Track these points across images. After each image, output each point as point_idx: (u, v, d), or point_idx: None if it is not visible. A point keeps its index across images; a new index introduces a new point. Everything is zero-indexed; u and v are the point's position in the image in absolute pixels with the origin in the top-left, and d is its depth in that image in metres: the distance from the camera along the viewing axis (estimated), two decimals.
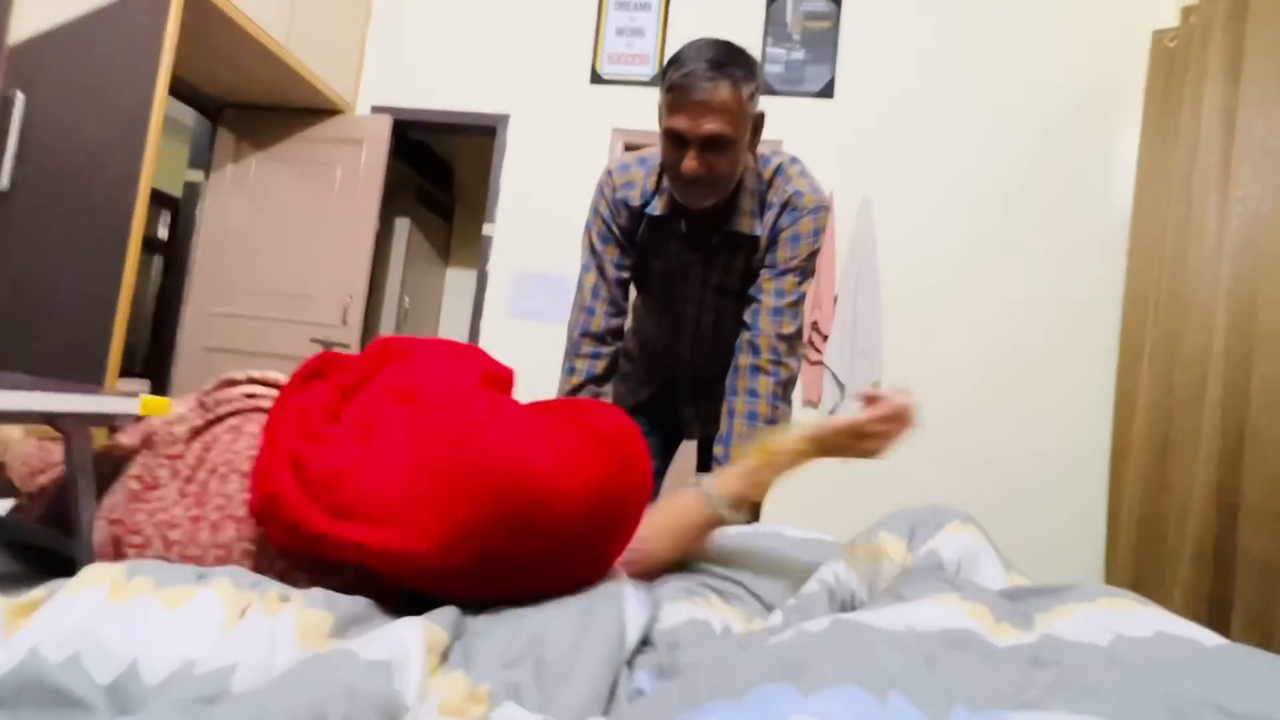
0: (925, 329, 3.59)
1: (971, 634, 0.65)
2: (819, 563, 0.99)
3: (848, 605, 0.92)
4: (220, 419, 0.93)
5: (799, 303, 1.55)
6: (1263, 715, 0.43)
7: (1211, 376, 2.86)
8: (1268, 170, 2.84)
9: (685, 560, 1.05)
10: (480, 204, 4.61)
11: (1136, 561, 3.13)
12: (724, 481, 1.06)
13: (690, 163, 1.38)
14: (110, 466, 0.94)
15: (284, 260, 4.02)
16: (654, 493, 1.53)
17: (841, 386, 3.49)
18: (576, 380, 1.62)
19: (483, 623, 0.72)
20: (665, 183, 1.53)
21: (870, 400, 1.12)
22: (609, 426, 0.87)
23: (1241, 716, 0.43)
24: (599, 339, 1.63)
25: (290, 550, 0.83)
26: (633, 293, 1.82)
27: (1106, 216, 3.49)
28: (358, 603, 0.72)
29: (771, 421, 1.51)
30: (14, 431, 1.14)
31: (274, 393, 0.96)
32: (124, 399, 0.95)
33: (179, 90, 3.84)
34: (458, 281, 5.67)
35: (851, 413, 1.11)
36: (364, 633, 0.68)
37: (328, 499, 0.79)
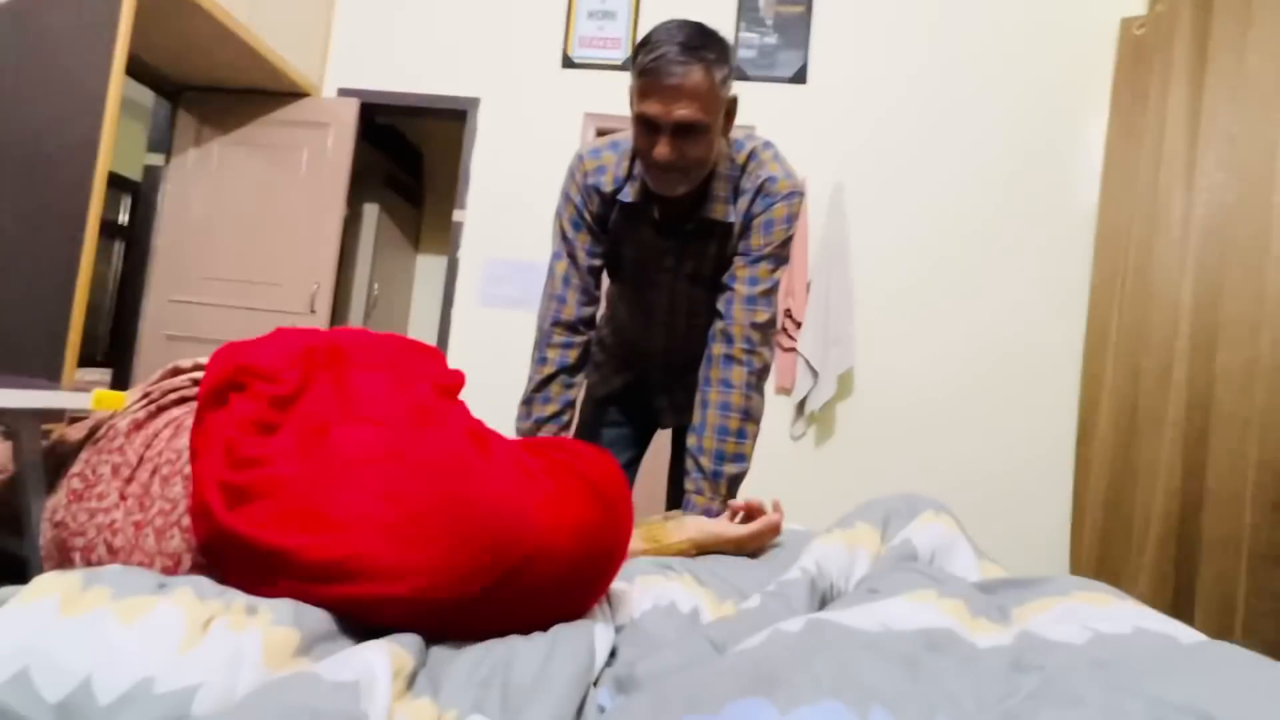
0: (896, 316, 3.61)
1: (951, 634, 0.64)
2: (796, 553, 0.98)
3: (828, 596, 0.91)
4: (163, 409, 0.89)
5: (773, 290, 1.53)
6: None
7: (1177, 362, 2.91)
8: (1232, 159, 2.89)
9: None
10: (450, 190, 4.55)
11: (1102, 545, 3.18)
12: None
13: (663, 149, 1.35)
14: (56, 462, 0.90)
15: (249, 247, 3.94)
16: (629, 482, 1.51)
17: (815, 374, 3.50)
18: (548, 370, 1.59)
19: (449, 648, 0.70)
20: (637, 168, 1.50)
21: (750, 514, 1.28)
22: (599, 475, 0.85)
23: None
24: (571, 328, 1.60)
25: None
26: (606, 280, 1.80)
27: (1074, 203, 3.52)
28: (325, 619, 0.69)
29: (745, 412, 1.49)
30: None
31: None
32: (75, 394, 0.92)
33: (136, 71, 3.72)
34: (428, 268, 5.60)
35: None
36: (331, 651, 0.65)
37: (282, 535, 0.74)
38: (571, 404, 1.62)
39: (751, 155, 1.51)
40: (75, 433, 0.92)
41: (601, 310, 1.85)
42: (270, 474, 0.77)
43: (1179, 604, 2.80)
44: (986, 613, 0.75)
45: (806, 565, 0.91)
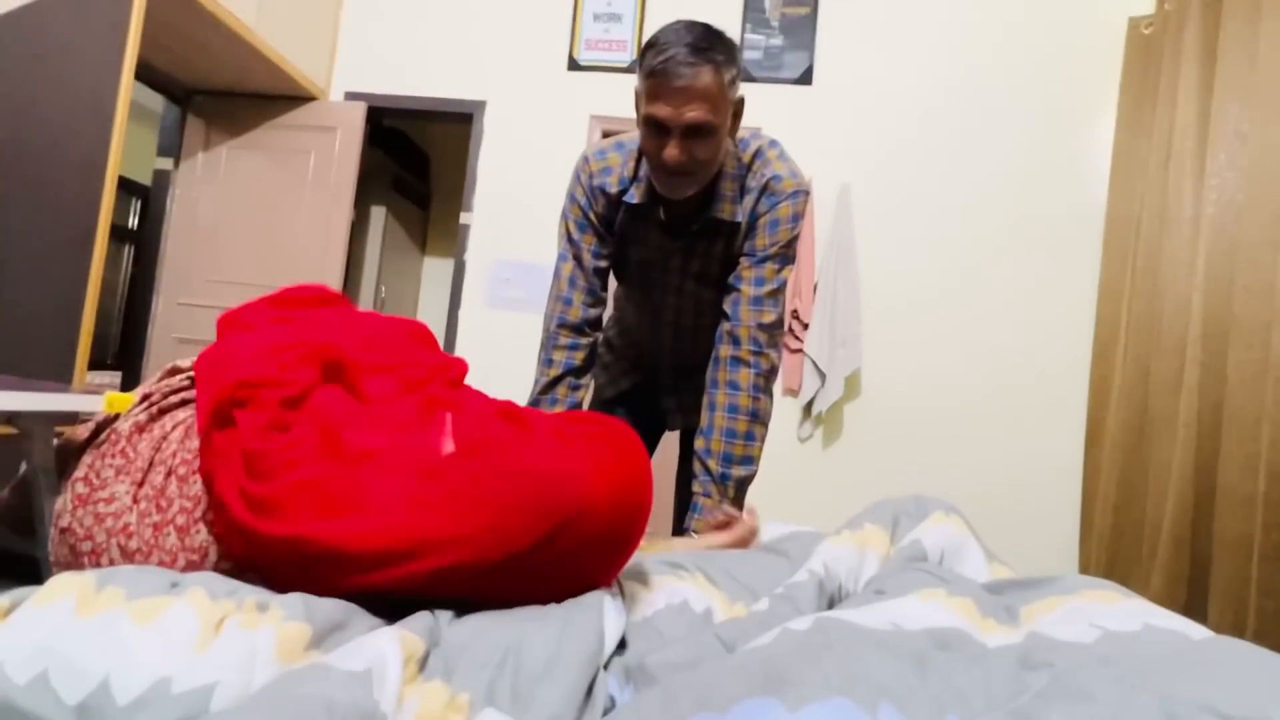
0: (903, 317, 3.60)
1: (960, 633, 0.64)
2: (806, 554, 0.98)
3: (836, 598, 0.91)
4: (165, 411, 0.89)
5: (779, 290, 1.52)
6: (1261, 717, 0.42)
7: (1189, 362, 2.89)
8: (1242, 157, 2.87)
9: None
10: (457, 192, 4.56)
11: (1112, 547, 3.17)
12: None
13: (672, 151, 1.34)
14: (60, 465, 0.91)
15: (257, 250, 3.96)
16: None
17: (822, 375, 3.50)
18: (554, 372, 1.58)
19: (460, 631, 0.70)
20: (643, 169, 1.49)
21: (722, 525, 1.31)
22: (625, 441, 0.88)
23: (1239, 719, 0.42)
24: (577, 330, 1.59)
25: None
26: (613, 282, 1.80)
27: (1082, 203, 3.51)
28: (336, 607, 0.70)
29: (753, 415, 1.49)
30: None
31: None
32: (87, 396, 0.93)
33: (146, 76, 3.75)
34: (435, 271, 5.62)
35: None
36: (343, 642, 0.66)
37: (326, 532, 0.75)
38: (578, 406, 1.61)
39: (757, 154, 1.50)
40: (79, 434, 0.92)
41: (609, 311, 1.85)
42: (299, 477, 0.78)
43: (1192, 605, 2.79)
44: (995, 613, 0.74)
45: (814, 568, 0.91)
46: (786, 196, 1.48)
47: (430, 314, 5.46)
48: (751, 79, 3.75)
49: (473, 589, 0.76)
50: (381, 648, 0.59)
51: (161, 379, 0.95)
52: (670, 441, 1.92)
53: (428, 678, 0.62)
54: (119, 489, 0.83)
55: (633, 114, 1.43)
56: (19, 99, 2.40)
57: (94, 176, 2.64)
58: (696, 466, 1.50)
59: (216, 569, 0.82)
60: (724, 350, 1.51)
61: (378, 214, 4.87)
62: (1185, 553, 2.84)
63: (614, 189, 1.54)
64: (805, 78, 3.76)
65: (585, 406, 1.70)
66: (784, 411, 3.58)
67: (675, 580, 0.90)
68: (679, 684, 0.52)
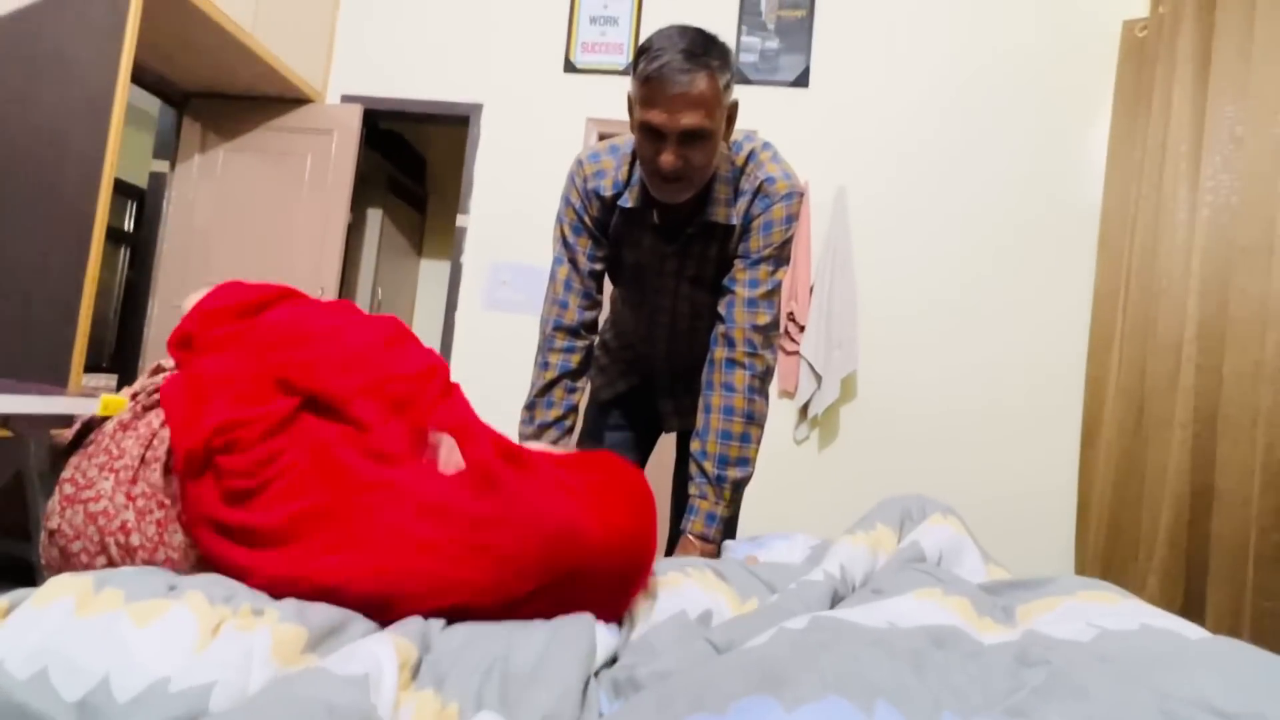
0: (899, 319, 3.61)
1: (956, 631, 0.64)
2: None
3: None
4: (149, 409, 0.88)
5: (774, 292, 1.52)
6: (1255, 713, 0.42)
7: (1184, 364, 2.90)
8: (1237, 160, 2.89)
9: None
10: (454, 194, 4.56)
11: (1107, 549, 3.17)
12: None
13: (668, 157, 1.34)
14: (48, 465, 0.90)
15: (254, 252, 3.95)
16: None
17: (818, 378, 3.50)
18: (551, 375, 1.58)
19: (450, 638, 0.70)
20: (637, 173, 1.49)
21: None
22: (632, 487, 0.88)
23: (1235, 715, 0.42)
24: (573, 333, 1.60)
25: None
26: (610, 285, 1.80)
27: (1077, 206, 3.51)
28: (332, 612, 0.70)
29: (748, 416, 1.49)
30: None
31: None
32: (83, 400, 0.92)
33: (142, 78, 3.74)
34: (431, 273, 5.61)
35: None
36: (338, 646, 0.66)
37: (325, 574, 0.75)
38: (574, 408, 1.61)
39: (750, 156, 1.50)
40: (64, 437, 0.91)
41: (605, 314, 1.85)
42: (299, 508, 0.77)
43: (1188, 608, 2.79)
44: (991, 612, 0.75)
45: (830, 569, 0.90)
46: (780, 198, 1.49)
47: (427, 316, 5.45)
48: (747, 81, 3.76)
49: (472, 618, 0.77)
50: (377, 653, 0.59)
51: (150, 375, 0.94)
52: (667, 444, 1.92)
53: (420, 686, 0.62)
54: (104, 486, 0.82)
55: (628, 116, 1.43)
56: (15, 102, 2.40)
57: (90, 179, 2.63)
58: (692, 468, 1.50)
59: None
60: (719, 352, 1.51)
61: (374, 216, 4.86)
62: (1181, 555, 2.85)
63: (608, 192, 1.54)
64: (801, 80, 3.77)
65: (582, 409, 1.70)
66: (780, 414, 3.58)
67: (678, 581, 0.89)
68: (676, 685, 0.53)
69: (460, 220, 4.00)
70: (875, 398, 3.60)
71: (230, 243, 3.97)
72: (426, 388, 0.88)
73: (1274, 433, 2.59)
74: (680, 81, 1.28)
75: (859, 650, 0.54)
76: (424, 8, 4.09)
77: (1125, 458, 3.15)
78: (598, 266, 1.61)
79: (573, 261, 1.59)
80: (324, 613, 0.69)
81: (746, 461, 1.49)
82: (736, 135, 1.51)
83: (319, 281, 3.86)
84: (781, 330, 3.53)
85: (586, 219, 1.57)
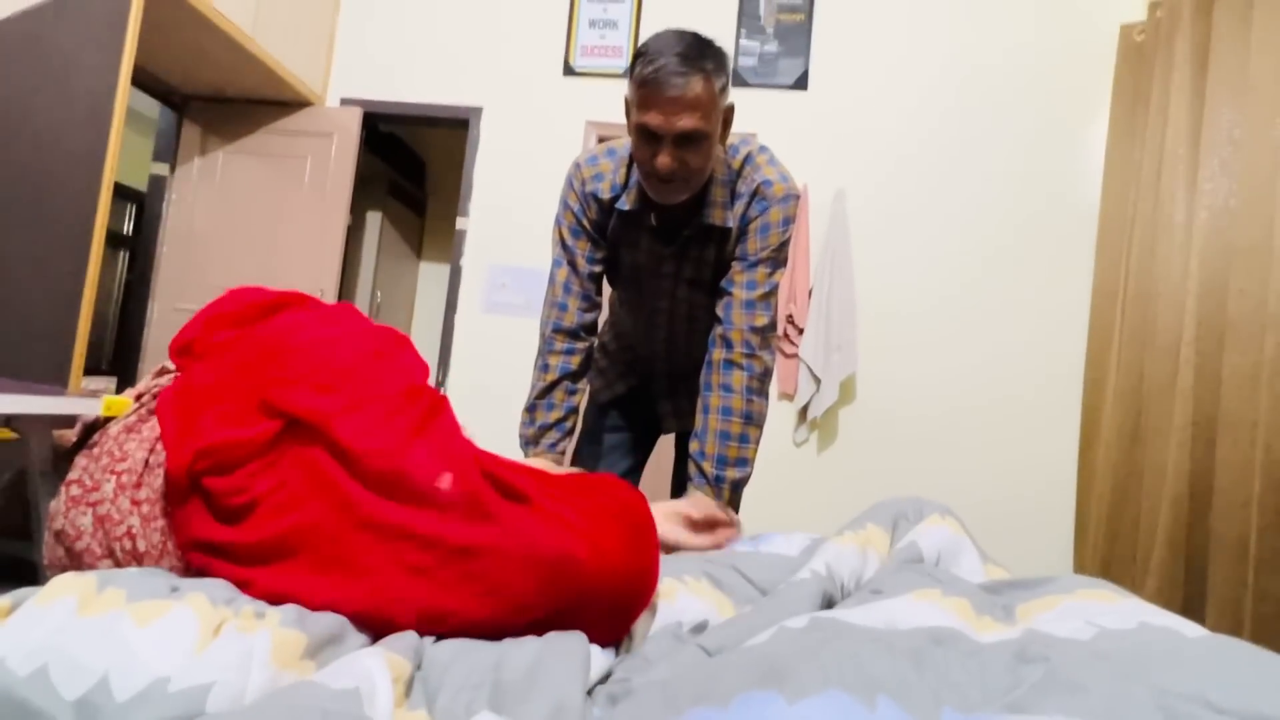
0: (898, 321, 3.61)
1: (954, 632, 0.64)
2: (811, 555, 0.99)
3: (837, 597, 0.91)
4: (155, 412, 0.88)
5: (771, 294, 1.54)
6: (1253, 710, 0.43)
7: (1183, 366, 2.90)
8: (1235, 162, 2.89)
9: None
10: (453, 197, 4.56)
11: (1106, 550, 3.18)
12: None
13: (664, 159, 1.36)
14: (50, 465, 0.91)
15: (253, 255, 3.96)
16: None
17: (817, 380, 3.50)
18: (551, 377, 1.59)
19: (441, 651, 0.70)
20: (635, 176, 1.51)
21: (710, 524, 1.29)
22: (632, 514, 0.88)
23: (1232, 712, 0.43)
24: (572, 334, 1.61)
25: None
26: (609, 287, 1.80)
27: (1075, 209, 3.53)
28: (331, 621, 0.70)
29: (746, 417, 1.50)
30: None
31: None
32: (85, 400, 0.93)
33: (142, 81, 3.75)
34: (431, 276, 5.62)
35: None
36: (336, 656, 0.66)
37: (313, 593, 0.74)
38: (575, 410, 1.62)
39: (746, 159, 1.52)
40: (66, 439, 0.91)
41: (604, 316, 1.86)
42: (291, 523, 0.77)
43: (1188, 609, 2.79)
44: (991, 611, 0.75)
45: (817, 567, 0.91)
46: (777, 201, 1.50)
47: (426, 319, 5.46)
48: (746, 84, 3.77)
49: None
50: (369, 668, 0.60)
51: (155, 377, 0.94)
52: (665, 445, 1.93)
53: (413, 706, 0.62)
54: (112, 490, 0.82)
55: (626, 120, 1.44)
56: (16, 104, 2.40)
57: (90, 182, 2.64)
58: (691, 469, 1.51)
59: None
60: (717, 354, 1.52)
61: (374, 219, 4.87)
62: (1180, 556, 2.85)
63: (606, 195, 1.56)
64: (800, 83, 3.78)
65: (581, 411, 1.71)
66: (779, 416, 3.59)
67: (672, 590, 0.90)
68: (679, 680, 0.53)
69: (460, 223, 4.00)
70: (874, 400, 3.61)
71: (230, 246, 3.98)
72: (409, 407, 0.85)
73: (1273, 434, 2.59)
74: (676, 85, 1.30)
75: (860, 647, 0.54)
76: (424, 11, 4.10)
77: (1124, 459, 3.15)
78: (596, 269, 1.62)
79: (571, 264, 1.60)
80: (324, 621, 0.69)
81: (745, 462, 1.50)
82: (733, 138, 1.53)
83: (318, 284, 3.87)
84: (780, 332, 3.54)
85: (585, 222, 1.59)
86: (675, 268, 1.59)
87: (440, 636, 0.74)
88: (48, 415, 0.89)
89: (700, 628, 0.87)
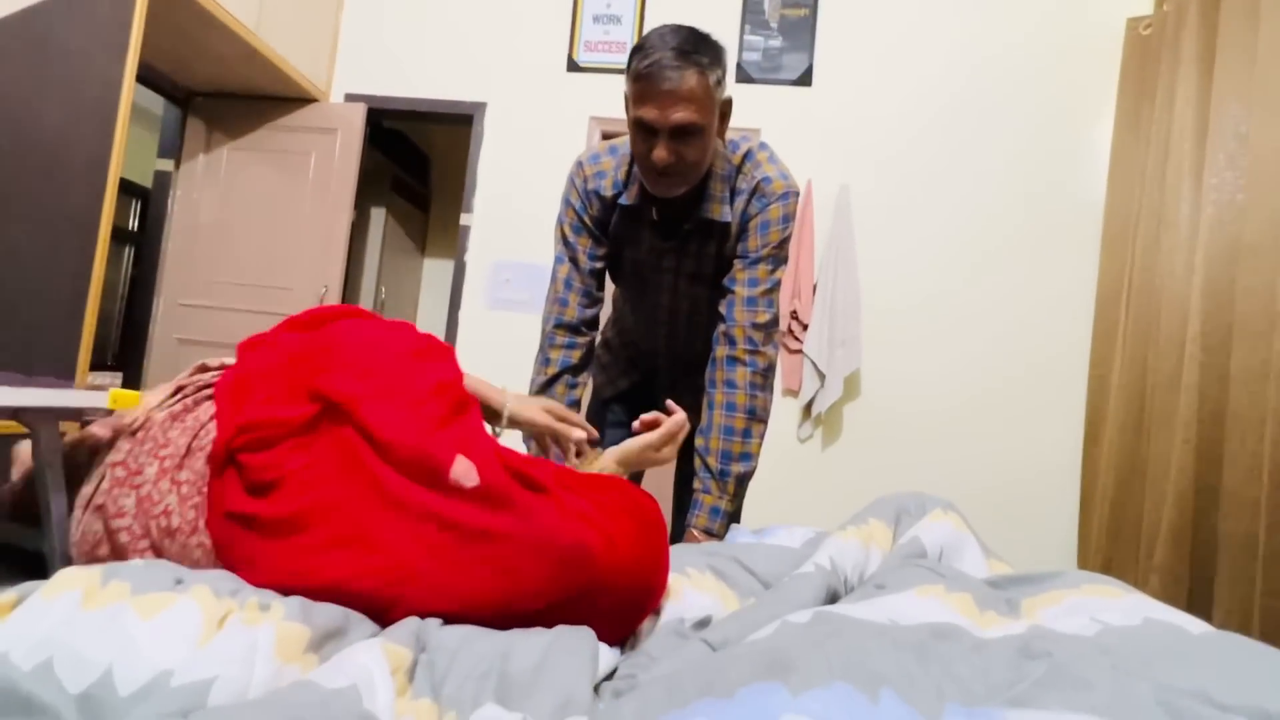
0: (902, 317, 3.61)
1: (957, 628, 0.65)
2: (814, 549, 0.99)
3: (841, 591, 0.92)
4: (199, 403, 0.91)
5: (773, 290, 1.55)
6: (1256, 707, 0.43)
7: (1188, 362, 2.89)
8: (1241, 157, 2.88)
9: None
10: (457, 193, 4.56)
11: (1109, 546, 3.17)
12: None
13: (661, 152, 1.37)
14: (85, 456, 0.92)
15: (257, 251, 3.96)
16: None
17: (821, 376, 3.50)
18: (552, 371, 1.61)
19: (447, 637, 0.70)
20: (636, 172, 1.51)
21: (649, 424, 1.30)
22: (644, 511, 0.90)
23: (1233, 708, 0.43)
24: (573, 330, 1.62)
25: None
26: (612, 284, 1.81)
27: (1080, 204, 3.51)
28: (336, 613, 0.70)
29: (750, 412, 1.50)
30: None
31: None
32: (92, 393, 0.93)
33: (147, 78, 3.76)
34: (435, 272, 5.63)
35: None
36: (340, 649, 0.67)
37: (330, 569, 0.76)
38: (575, 404, 1.63)
39: (747, 156, 1.53)
40: (101, 430, 0.94)
41: (607, 312, 1.86)
42: (316, 498, 0.79)
43: (1193, 606, 2.79)
44: (995, 606, 0.75)
45: (821, 561, 0.91)
46: (777, 198, 1.51)
47: (430, 315, 5.47)
48: (750, 80, 3.76)
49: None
50: (365, 663, 0.60)
51: (193, 374, 0.97)
52: None
53: (417, 694, 0.62)
54: (156, 472, 0.85)
55: (625, 115, 1.45)
56: (21, 101, 2.41)
57: (96, 178, 2.64)
58: (696, 464, 1.52)
59: None
60: (720, 350, 1.53)
61: (378, 215, 4.88)
62: (1184, 554, 2.84)
63: (608, 192, 1.57)
64: (804, 79, 3.77)
65: (584, 406, 1.71)
66: (783, 412, 3.59)
67: (677, 585, 0.90)
68: (684, 672, 0.53)
69: (464, 219, 4.01)
70: (879, 396, 3.61)
71: (234, 241, 3.99)
72: (436, 401, 0.88)
73: None
74: (670, 78, 1.31)
75: (864, 641, 0.54)
76: (427, 7, 4.10)
77: (1128, 455, 3.15)
78: (598, 265, 1.64)
79: (573, 260, 1.62)
80: (328, 613, 0.70)
81: (749, 456, 1.51)
82: (734, 135, 1.53)
83: (323, 280, 3.88)
84: (784, 328, 3.53)
85: (586, 219, 1.60)
86: (676, 262, 1.60)
87: (448, 619, 0.75)
88: (55, 408, 0.90)
89: (704, 623, 0.87)
